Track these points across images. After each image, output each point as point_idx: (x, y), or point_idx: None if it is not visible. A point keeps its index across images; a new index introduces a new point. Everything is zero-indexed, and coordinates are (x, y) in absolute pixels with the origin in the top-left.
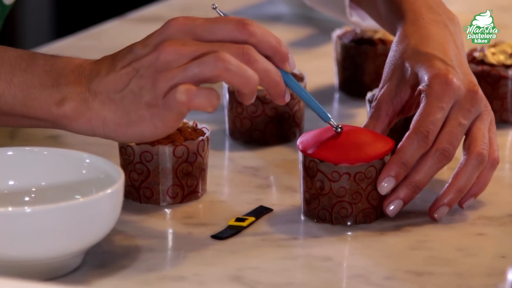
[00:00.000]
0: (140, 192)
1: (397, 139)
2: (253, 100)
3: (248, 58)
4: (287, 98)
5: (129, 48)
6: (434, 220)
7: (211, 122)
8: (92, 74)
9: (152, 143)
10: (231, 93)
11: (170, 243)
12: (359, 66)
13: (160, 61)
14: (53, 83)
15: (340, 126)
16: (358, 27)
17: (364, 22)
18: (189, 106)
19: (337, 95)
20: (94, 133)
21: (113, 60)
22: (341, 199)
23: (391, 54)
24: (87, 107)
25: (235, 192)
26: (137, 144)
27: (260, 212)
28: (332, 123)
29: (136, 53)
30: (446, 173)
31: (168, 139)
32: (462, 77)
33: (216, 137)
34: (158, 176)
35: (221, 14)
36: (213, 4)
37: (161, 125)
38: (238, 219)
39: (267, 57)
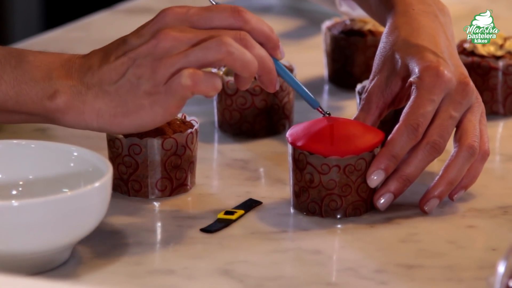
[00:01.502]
0: (129, 185)
1: (387, 131)
2: (249, 86)
3: (245, 43)
4: (277, 86)
5: (122, 40)
6: (424, 213)
7: (200, 115)
8: (83, 68)
9: (141, 136)
10: None
11: (158, 236)
12: (348, 57)
13: (159, 48)
14: (44, 77)
15: (328, 112)
16: (348, 17)
17: (354, 12)
18: (194, 90)
19: (326, 87)
20: (87, 126)
21: (104, 53)
22: (331, 191)
23: (381, 45)
24: (80, 100)
25: (224, 185)
26: (125, 136)
27: (250, 205)
28: (320, 109)
29: (130, 43)
30: (437, 165)
31: (157, 132)
32: (453, 69)
33: (205, 130)
34: (146, 169)
35: (214, 3)
36: None
37: (161, 112)
38: (227, 212)
39: (260, 44)
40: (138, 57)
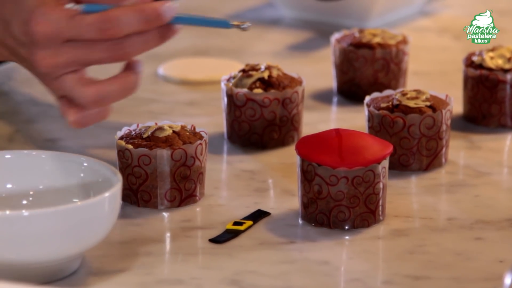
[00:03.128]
0: (138, 195)
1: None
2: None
3: (112, 33)
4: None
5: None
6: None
7: (209, 126)
8: None
9: (150, 147)
10: (229, 96)
11: (168, 246)
12: (357, 70)
13: (38, 70)
14: None
15: (247, 23)
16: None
17: None
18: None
19: (335, 99)
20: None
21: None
22: (339, 203)
23: None
24: None
25: (233, 195)
26: (135, 147)
27: (258, 216)
28: (236, 25)
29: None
30: (444, 177)
31: (166, 143)
32: None
33: (214, 141)
34: (156, 179)
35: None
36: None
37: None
38: (236, 223)
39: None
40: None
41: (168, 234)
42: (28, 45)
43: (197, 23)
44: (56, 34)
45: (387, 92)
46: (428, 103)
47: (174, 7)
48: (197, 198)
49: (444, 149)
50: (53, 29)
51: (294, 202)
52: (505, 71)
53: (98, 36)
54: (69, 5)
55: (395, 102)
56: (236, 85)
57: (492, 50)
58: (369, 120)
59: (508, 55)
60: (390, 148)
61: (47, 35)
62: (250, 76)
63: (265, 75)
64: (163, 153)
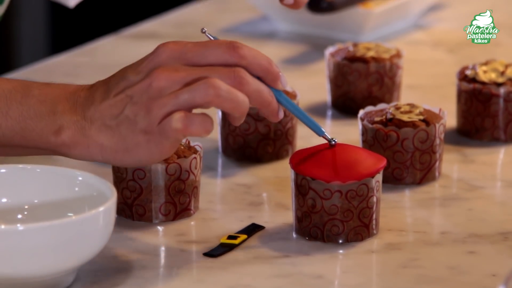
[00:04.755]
0: (133, 209)
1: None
2: (242, 121)
3: (239, 80)
4: (281, 115)
5: (122, 74)
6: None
7: (204, 140)
8: (87, 101)
9: None
10: None
11: (162, 260)
12: (351, 83)
13: (152, 88)
14: (49, 112)
15: (334, 139)
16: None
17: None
18: (185, 133)
19: (329, 112)
20: (93, 159)
21: (107, 87)
22: (333, 217)
23: None
24: (84, 134)
25: (227, 209)
26: None
27: (252, 229)
28: (326, 136)
29: (129, 80)
30: (438, 190)
31: None
32: None
33: (209, 155)
34: (150, 193)
35: (211, 38)
36: (203, 28)
37: (157, 152)
38: (230, 237)
39: (259, 78)
40: (135, 94)
41: (162, 248)
42: (148, 70)
43: (294, 112)
44: (180, 52)
45: (381, 106)
46: (421, 117)
47: (284, 85)
48: (191, 212)
49: (437, 163)
50: (180, 47)
51: (288, 216)
52: (498, 85)
53: (224, 56)
54: None
55: (389, 116)
56: None
57: (485, 64)
58: (363, 134)
59: (501, 69)
60: (383, 162)
61: (172, 52)
62: None
63: None
64: (158, 167)
